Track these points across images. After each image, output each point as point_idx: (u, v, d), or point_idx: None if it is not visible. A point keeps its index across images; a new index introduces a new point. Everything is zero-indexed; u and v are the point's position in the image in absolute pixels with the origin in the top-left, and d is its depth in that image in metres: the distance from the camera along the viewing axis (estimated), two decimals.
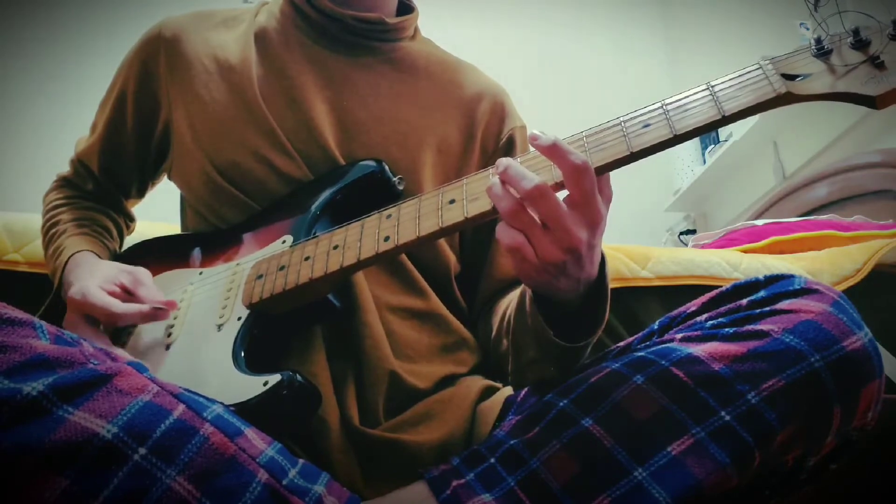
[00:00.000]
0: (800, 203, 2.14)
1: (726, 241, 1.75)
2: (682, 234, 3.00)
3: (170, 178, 0.91)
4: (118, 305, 0.71)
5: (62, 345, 0.50)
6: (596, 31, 3.41)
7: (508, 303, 0.77)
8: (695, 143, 2.98)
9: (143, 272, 0.77)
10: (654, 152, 0.59)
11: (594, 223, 0.56)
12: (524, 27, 3.31)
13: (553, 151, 0.56)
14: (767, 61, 0.58)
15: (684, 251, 1.29)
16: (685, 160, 3.01)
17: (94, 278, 0.74)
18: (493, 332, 0.78)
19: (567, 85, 3.21)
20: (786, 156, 2.55)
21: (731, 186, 2.85)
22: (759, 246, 1.64)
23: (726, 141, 2.69)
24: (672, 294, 1.14)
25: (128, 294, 0.74)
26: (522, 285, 0.69)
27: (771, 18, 2.48)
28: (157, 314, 0.73)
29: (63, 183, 0.96)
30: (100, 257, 0.82)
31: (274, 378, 0.62)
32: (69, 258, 0.80)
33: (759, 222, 1.81)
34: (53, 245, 0.85)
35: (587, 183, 0.55)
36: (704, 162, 2.88)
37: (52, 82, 2.73)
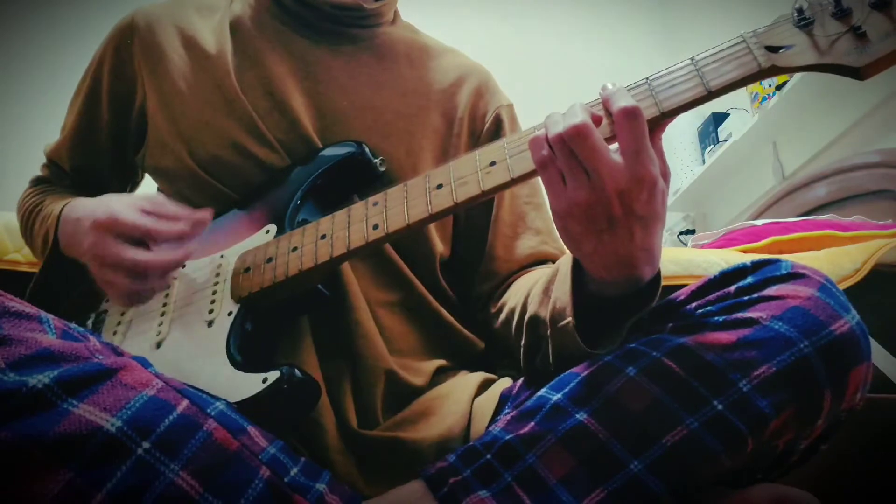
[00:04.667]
0: (799, 203, 2.14)
1: (725, 241, 1.75)
2: (681, 233, 2.99)
3: (144, 170, 0.89)
4: (153, 222, 0.69)
5: (68, 339, 0.50)
6: (593, 29, 3.41)
7: (526, 288, 0.74)
8: (694, 142, 2.98)
9: (161, 196, 0.74)
10: None
11: (640, 178, 0.54)
12: (519, 25, 3.32)
13: (608, 97, 0.56)
14: (751, 33, 0.57)
15: (683, 251, 1.29)
16: (684, 160, 3.00)
17: (114, 202, 0.71)
18: (502, 319, 0.77)
19: (564, 83, 3.20)
20: (785, 156, 2.56)
21: (731, 186, 2.85)
22: (758, 246, 1.64)
23: (725, 141, 2.69)
24: (671, 294, 1.14)
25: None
26: (545, 278, 0.68)
27: (769, 19, 2.48)
28: (196, 230, 0.71)
29: (37, 181, 0.93)
30: None
31: (273, 375, 0.62)
32: (63, 208, 0.77)
33: (759, 222, 1.81)
34: (39, 218, 0.82)
35: (629, 130, 0.54)
36: (704, 162, 2.88)
37: (53, 83, 2.73)
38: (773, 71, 0.56)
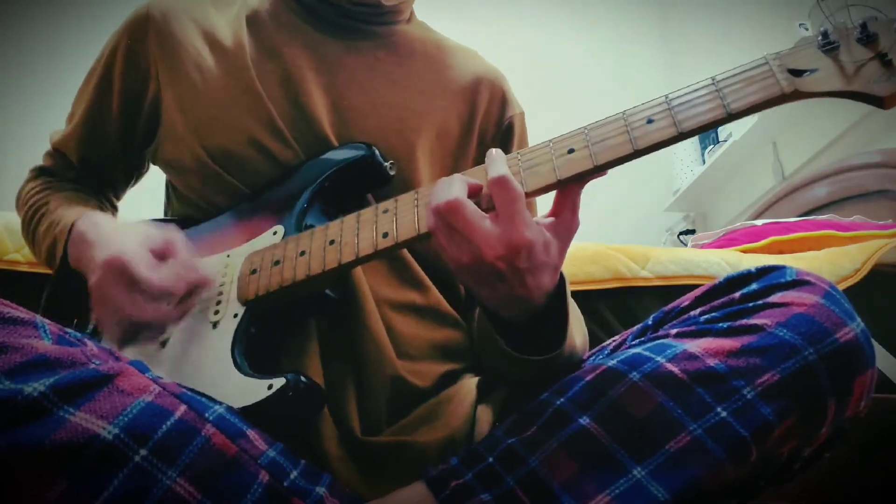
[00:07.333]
0: (799, 203, 2.14)
1: (725, 241, 1.76)
2: (681, 234, 3.00)
3: (154, 162, 0.88)
4: (158, 278, 0.65)
5: (64, 345, 0.50)
6: (593, 32, 3.41)
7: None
8: (694, 143, 2.98)
9: (175, 234, 0.69)
10: (659, 149, 0.58)
11: (514, 244, 0.56)
12: (520, 27, 3.32)
13: (486, 165, 0.59)
14: (774, 55, 0.56)
15: (684, 251, 1.29)
16: (685, 160, 3.01)
17: (128, 240, 0.68)
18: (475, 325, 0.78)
19: (563, 86, 3.21)
20: (785, 156, 2.56)
21: (731, 186, 2.85)
22: (758, 246, 1.64)
23: (725, 141, 2.69)
24: (671, 294, 1.14)
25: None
26: None
27: (769, 20, 2.48)
28: (194, 297, 0.68)
29: (40, 172, 0.90)
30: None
31: (278, 381, 0.61)
32: (74, 222, 0.75)
33: (759, 222, 1.81)
34: (45, 223, 0.80)
35: (502, 196, 0.57)
36: (704, 162, 2.88)
37: (53, 83, 2.73)
38: (796, 96, 0.55)
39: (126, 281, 0.64)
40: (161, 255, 0.67)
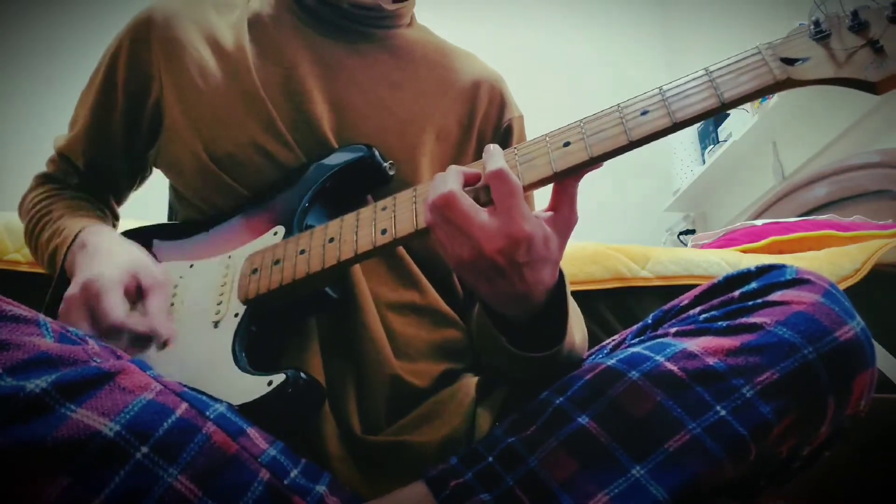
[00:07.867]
0: (799, 203, 2.14)
1: (725, 242, 1.76)
2: (681, 234, 3.00)
3: (156, 164, 0.88)
4: (118, 316, 0.64)
5: (66, 343, 0.50)
6: (594, 30, 3.41)
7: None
8: (694, 143, 2.98)
9: (157, 275, 0.69)
10: (653, 140, 0.58)
11: (513, 236, 0.56)
12: (523, 27, 3.32)
13: (484, 159, 0.59)
14: (767, 45, 0.57)
15: (684, 251, 1.29)
16: (684, 160, 3.01)
17: (108, 268, 0.67)
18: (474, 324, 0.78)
19: (566, 87, 3.20)
20: (785, 156, 2.56)
21: (731, 186, 2.85)
22: (758, 246, 1.64)
23: (726, 141, 2.69)
24: (671, 294, 1.13)
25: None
26: None
27: (769, 19, 2.48)
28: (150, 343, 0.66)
29: (44, 180, 0.90)
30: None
31: (278, 378, 0.61)
32: (80, 230, 0.75)
33: (759, 222, 1.81)
34: (49, 231, 0.80)
35: (499, 189, 0.56)
36: (704, 162, 2.88)
37: (54, 84, 2.73)
38: (789, 84, 0.55)
39: (89, 306, 0.64)
40: (139, 292, 0.67)
